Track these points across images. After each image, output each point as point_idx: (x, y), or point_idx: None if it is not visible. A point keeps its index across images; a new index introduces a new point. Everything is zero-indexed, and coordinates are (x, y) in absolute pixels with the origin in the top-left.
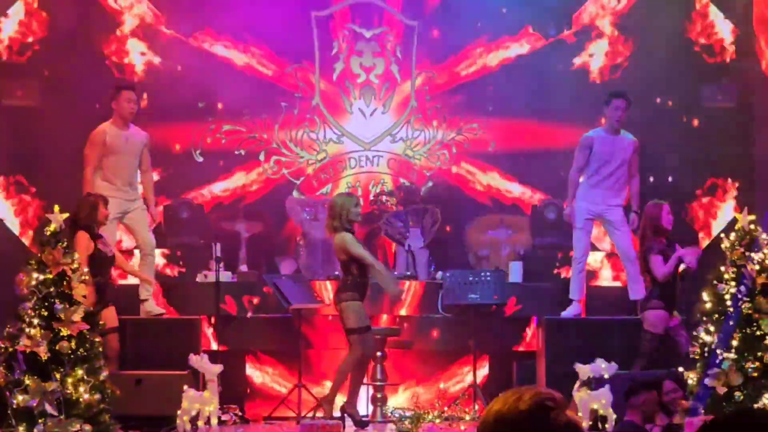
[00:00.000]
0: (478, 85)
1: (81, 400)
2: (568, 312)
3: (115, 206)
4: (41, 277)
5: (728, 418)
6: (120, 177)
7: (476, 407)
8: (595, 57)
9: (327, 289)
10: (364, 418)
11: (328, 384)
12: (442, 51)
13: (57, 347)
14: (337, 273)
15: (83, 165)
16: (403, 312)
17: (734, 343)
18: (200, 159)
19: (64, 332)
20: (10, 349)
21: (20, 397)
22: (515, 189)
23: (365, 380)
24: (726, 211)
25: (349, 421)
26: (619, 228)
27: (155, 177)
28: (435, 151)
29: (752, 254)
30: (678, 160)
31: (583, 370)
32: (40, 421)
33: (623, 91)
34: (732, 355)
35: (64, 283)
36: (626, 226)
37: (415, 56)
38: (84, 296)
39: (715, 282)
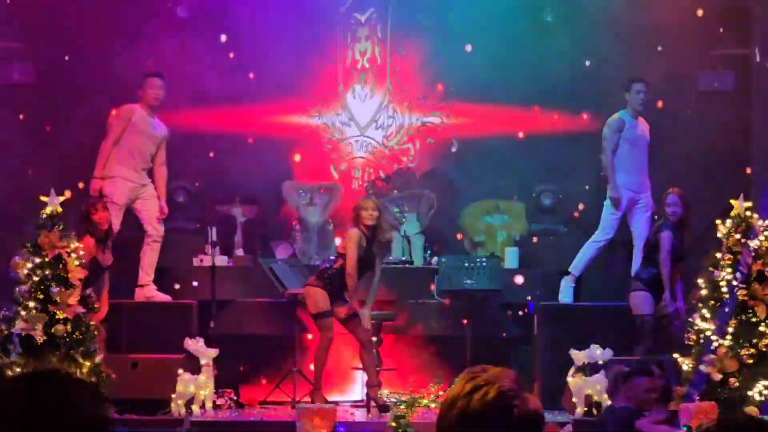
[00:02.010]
0: (453, 67)
1: None
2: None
3: (126, 191)
4: (37, 260)
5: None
6: (137, 159)
7: None
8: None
9: None
10: (358, 403)
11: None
12: (417, 29)
13: (52, 330)
14: (332, 257)
15: (104, 136)
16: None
17: (730, 329)
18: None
19: (60, 315)
20: (6, 332)
21: None
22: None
23: (359, 364)
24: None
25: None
26: (649, 210)
27: None
28: (404, 143)
29: (748, 241)
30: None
31: (578, 356)
32: None
33: (640, 77)
34: (727, 342)
35: (60, 266)
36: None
37: (389, 35)
38: (80, 279)
39: (710, 268)
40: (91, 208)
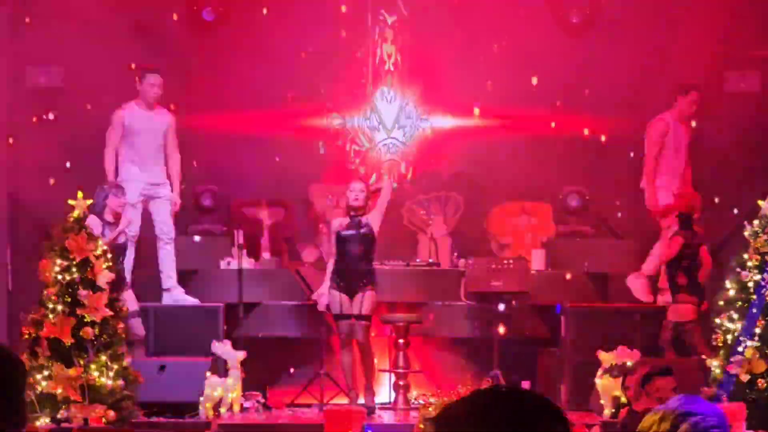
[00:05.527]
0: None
1: (104, 386)
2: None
3: (138, 189)
4: (65, 263)
5: None
6: (143, 158)
7: None
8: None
9: None
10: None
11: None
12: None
13: (81, 333)
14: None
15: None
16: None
17: (757, 330)
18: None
19: (88, 318)
20: (34, 335)
21: (44, 383)
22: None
23: (387, 366)
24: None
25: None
26: None
27: None
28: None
29: None
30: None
31: (606, 358)
32: (63, 407)
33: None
34: (755, 343)
35: (88, 269)
36: None
37: (414, 38)
38: (108, 282)
39: (738, 269)
40: (110, 192)
